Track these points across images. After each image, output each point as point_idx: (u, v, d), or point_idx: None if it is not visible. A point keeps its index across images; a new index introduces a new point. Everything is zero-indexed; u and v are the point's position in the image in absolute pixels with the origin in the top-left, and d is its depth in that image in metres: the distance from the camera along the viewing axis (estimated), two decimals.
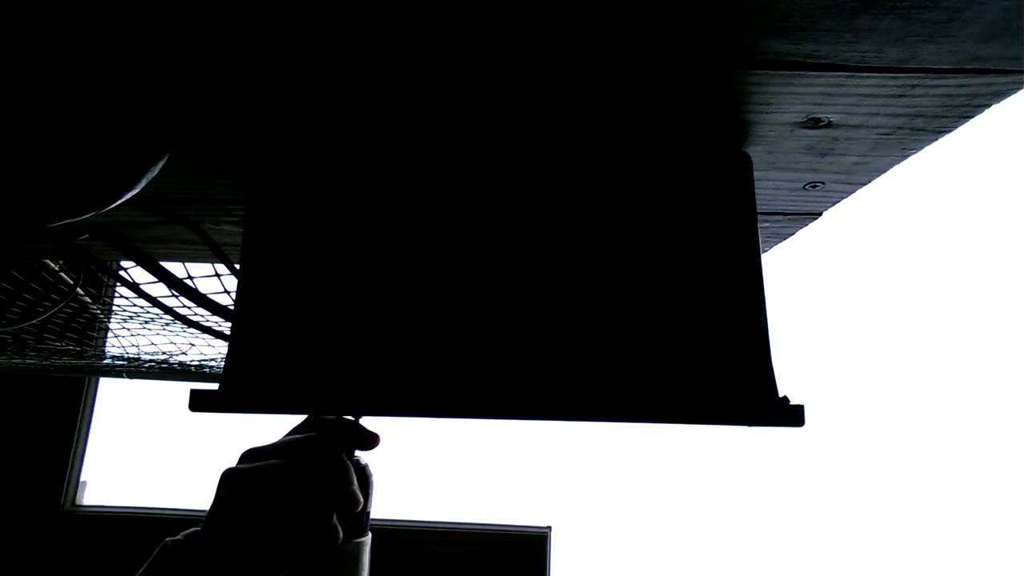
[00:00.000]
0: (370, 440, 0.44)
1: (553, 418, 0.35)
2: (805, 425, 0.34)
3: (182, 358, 1.15)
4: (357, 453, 0.46)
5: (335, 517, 0.41)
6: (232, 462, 0.43)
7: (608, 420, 0.35)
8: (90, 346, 1.13)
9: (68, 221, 0.35)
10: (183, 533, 0.42)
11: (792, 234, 0.53)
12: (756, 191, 0.39)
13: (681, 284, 0.37)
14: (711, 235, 0.38)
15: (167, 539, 0.42)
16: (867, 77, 0.31)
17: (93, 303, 0.99)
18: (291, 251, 0.38)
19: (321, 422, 0.44)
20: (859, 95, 0.33)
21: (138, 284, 0.62)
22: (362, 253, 0.38)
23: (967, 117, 0.35)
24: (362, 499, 0.43)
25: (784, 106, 0.34)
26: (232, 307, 0.51)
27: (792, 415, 0.35)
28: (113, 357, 1.18)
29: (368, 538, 0.45)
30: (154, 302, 0.63)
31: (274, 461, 0.41)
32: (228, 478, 0.41)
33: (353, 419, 0.44)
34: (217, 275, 0.63)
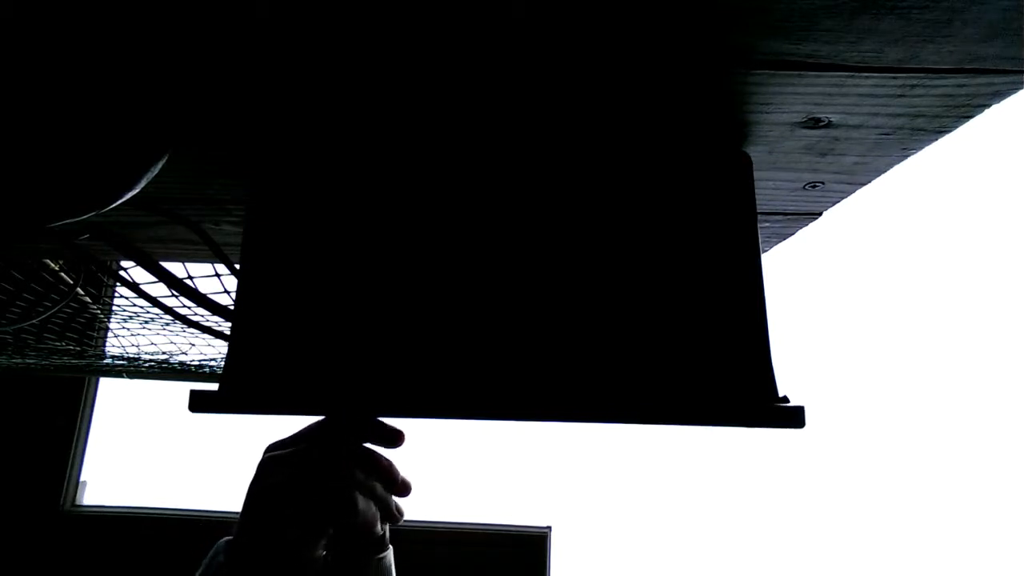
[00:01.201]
0: (393, 438, 0.43)
1: (553, 419, 0.35)
2: (805, 426, 0.34)
3: (182, 358, 1.15)
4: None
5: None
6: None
7: (608, 421, 0.35)
8: (90, 346, 1.13)
9: (68, 221, 0.35)
10: (222, 553, 0.40)
11: (792, 234, 0.53)
12: (756, 191, 0.39)
13: (681, 284, 0.37)
14: (711, 235, 0.38)
15: (212, 559, 0.40)
16: (867, 77, 0.31)
17: (93, 303, 0.99)
18: (291, 251, 0.38)
19: (341, 421, 0.43)
20: (859, 95, 0.33)
21: (138, 284, 0.62)
22: (362, 253, 0.38)
23: (967, 117, 0.35)
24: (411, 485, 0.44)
25: (784, 106, 0.34)
26: (232, 307, 0.51)
27: (792, 416, 0.35)
28: (113, 357, 1.18)
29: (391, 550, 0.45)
30: (154, 302, 0.63)
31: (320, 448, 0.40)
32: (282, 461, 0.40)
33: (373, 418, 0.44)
34: (217, 275, 0.63)
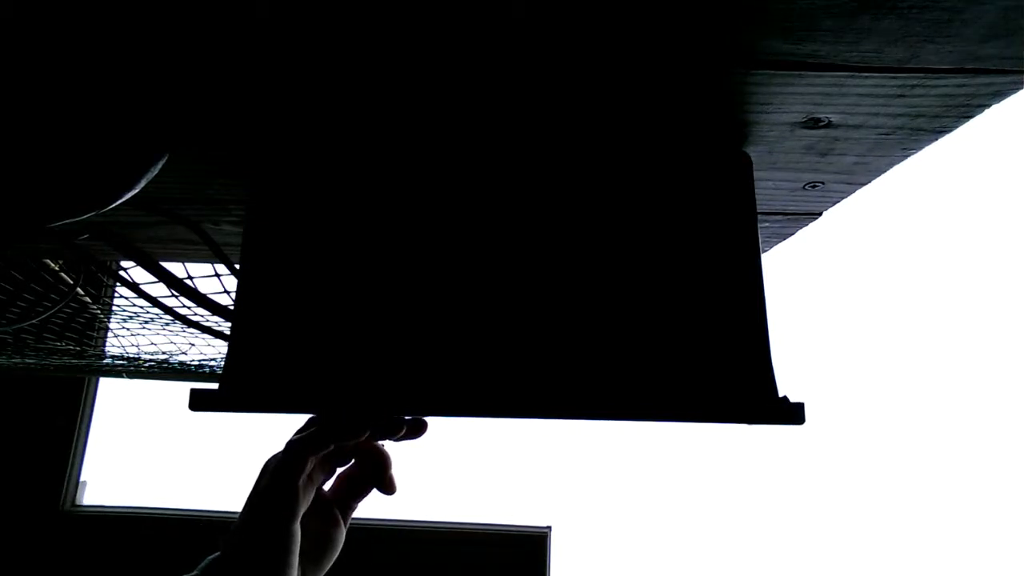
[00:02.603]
0: (404, 429, 0.42)
1: (554, 417, 0.35)
2: (805, 423, 0.34)
3: (182, 358, 1.15)
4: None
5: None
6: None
7: (608, 419, 0.35)
8: (90, 346, 1.13)
9: (68, 221, 0.35)
10: (199, 567, 0.39)
11: (792, 234, 0.53)
12: (756, 191, 0.39)
13: (681, 284, 0.37)
14: (711, 235, 0.38)
15: None
16: (867, 77, 0.31)
17: (93, 303, 0.99)
18: (291, 251, 0.38)
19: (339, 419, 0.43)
20: (859, 95, 0.33)
21: (138, 284, 0.62)
22: (362, 253, 0.38)
23: (967, 117, 0.35)
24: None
25: (784, 106, 0.34)
26: (232, 307, 0.51)
27: (792, 413, 0.35)
28: (113, 357, 1.18)
29: None
30: (154, 302, 0.63)
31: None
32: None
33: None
34: (217, 275, 0.63)
